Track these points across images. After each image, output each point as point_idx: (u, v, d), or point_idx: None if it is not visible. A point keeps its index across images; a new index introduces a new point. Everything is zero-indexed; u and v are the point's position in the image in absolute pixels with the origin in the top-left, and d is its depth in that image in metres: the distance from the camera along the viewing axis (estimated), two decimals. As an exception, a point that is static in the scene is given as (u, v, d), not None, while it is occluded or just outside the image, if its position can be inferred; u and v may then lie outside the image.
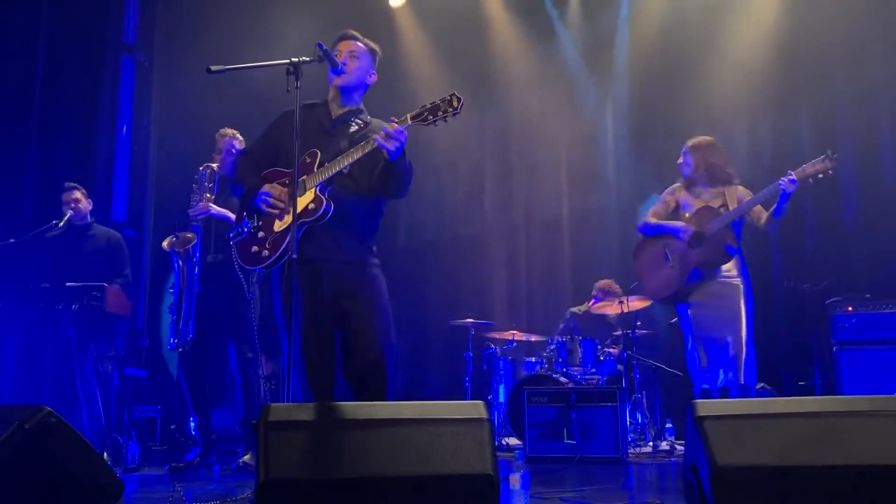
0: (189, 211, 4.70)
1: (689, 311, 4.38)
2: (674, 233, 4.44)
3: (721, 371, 4.19)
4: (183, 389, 4.73)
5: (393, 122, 2.98)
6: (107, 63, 7.10)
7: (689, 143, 4.58)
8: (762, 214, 4.33)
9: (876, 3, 6.19)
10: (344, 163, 3.08)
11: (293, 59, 2.95)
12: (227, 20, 7.01)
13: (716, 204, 4.43)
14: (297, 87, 2.95)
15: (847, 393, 4.77)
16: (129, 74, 7.48)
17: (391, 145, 2.96)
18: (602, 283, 6.62)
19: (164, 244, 4.68)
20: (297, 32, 6.93)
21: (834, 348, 4.92)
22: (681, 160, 4.60)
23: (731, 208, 4.37)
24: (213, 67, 2.96)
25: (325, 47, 3.10)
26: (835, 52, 6.37)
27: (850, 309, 4.95)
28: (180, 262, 4.63)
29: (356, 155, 3.06)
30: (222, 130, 4.91)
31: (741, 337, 4.19)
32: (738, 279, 4.30)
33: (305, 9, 7.21)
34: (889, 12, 6.08)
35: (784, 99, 6.62)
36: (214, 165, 4.78)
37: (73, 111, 6.65)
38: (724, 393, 4.17)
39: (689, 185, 4.56)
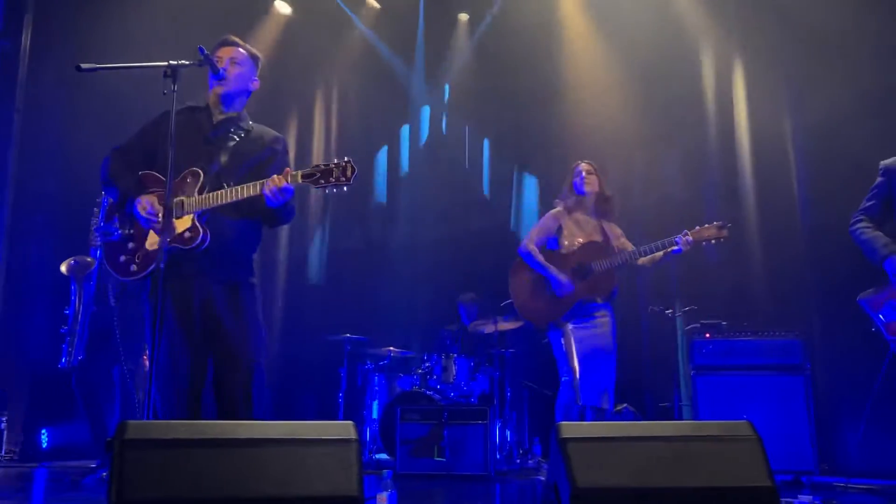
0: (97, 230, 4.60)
1: (562, 339, 4.39)
2: (554, 285, 4.39)
3: (592, 395, 4.23)
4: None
5: (286, 173, 2.95)
6: (-34, 48, 6.63)
7: (591, 163, 4.57)
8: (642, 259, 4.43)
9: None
10: (226, 199, 3.00)
11: (171, 62, 2.84)
12: (108, 12, 6.67)
13: (598, 238, 4.47)
14: (174, 91, 2.85)
15: (703, 415, 5.01)
16: (-10, 62, 6.98)
17: (276, 200, 2.96)
18: (463, 297, 6.93)
19: (63, 269, 4.72)
20: (181, 33, 6.67)
21: (692, 372, 5.17)
22: (576, 178, 4.53)
23: (612, 244, 4.45)
24: (84, 65, 2.81)
25: (206, 52, 3.02)
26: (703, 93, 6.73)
27: (707, 335, 5.21)
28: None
29: (240, 195, 2.99)
30: None
31: (611, 368, 4.33)
32: (608, 312, 4.42)
33: (191, 9, 6.97)
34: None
35: (657, 136, 6.93)
36: None
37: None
38: (595, 414, 4.22)
39: (574, 209, 4.53)
